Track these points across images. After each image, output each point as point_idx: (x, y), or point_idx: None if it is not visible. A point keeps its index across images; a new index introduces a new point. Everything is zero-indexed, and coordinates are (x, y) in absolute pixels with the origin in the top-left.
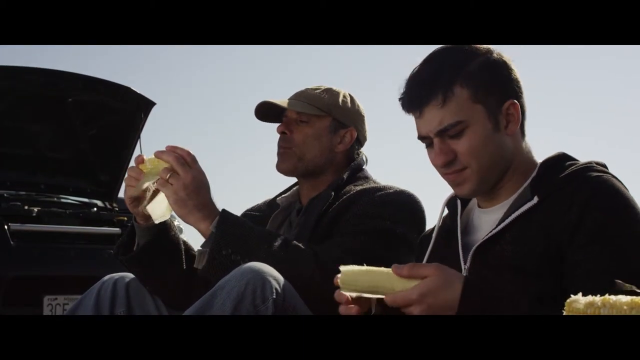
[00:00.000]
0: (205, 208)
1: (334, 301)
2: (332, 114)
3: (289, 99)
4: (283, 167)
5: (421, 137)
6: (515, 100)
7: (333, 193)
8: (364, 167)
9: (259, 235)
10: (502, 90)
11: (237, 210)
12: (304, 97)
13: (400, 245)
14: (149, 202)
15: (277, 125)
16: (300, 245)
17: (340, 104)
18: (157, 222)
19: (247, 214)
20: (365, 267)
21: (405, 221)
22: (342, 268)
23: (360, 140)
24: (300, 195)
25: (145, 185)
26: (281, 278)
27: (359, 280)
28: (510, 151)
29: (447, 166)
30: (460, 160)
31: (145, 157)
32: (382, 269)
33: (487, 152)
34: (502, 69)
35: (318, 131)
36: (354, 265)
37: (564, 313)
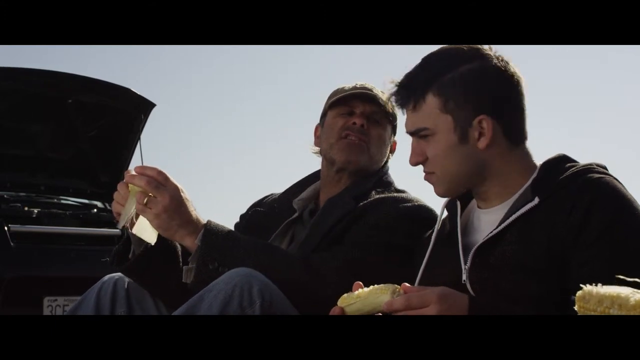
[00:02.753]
0: (190, 224)
1: (329, 309)
2: (393, 123)
3: (370, 91)
4: (360, 159)
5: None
6: (489, 116)
7: (344, 197)
8: (389, 173)
9: (245, 246)
10: (477, 104)
11: (232, 212)
12: (381, 100)
13: (408, 259)
14: (132, 225)
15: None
16: (289, 253)
17: (397, 113)
18: (151, 242)
19: (257, 210)
20: (358, 293)
21: (419, 236)
22: (342, 304)
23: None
24: (320, 194)
25: (132, 208)
26: (269, 282)
27: (361, 310)
28: (485, 163)
29: (420, 166)
30: (428, 163)
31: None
32: (378, 289)
33: (450, 163)
34: (486, 81)
35: (385, 135)
36: (350, 294)
37: (575, 308)
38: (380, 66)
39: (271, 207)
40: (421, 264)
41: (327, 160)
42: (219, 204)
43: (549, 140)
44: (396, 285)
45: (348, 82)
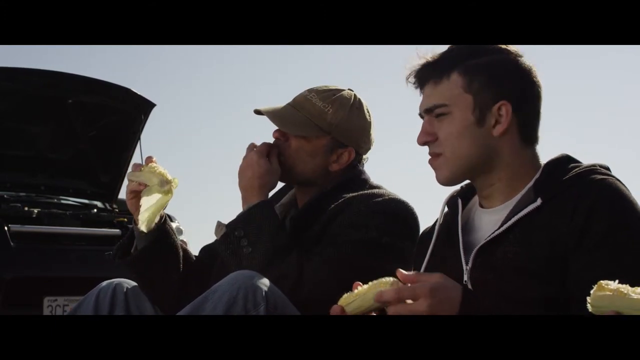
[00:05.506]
0: (261, 193)
1: (308, 309)
2: (333, 134)
3: (288, 106)
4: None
5: (419, 114)
6: (509, 103)
7: (317, 202)
8: (363, 171)
9: (274, 238)
10: (500, 90)
11: (235, 211)
12: (306, 110)
13: (387, 254)
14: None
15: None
16: (290, 258)
17: (345, 122)
18: (141, 227)
19: None
20: (357, 291)
21: (393, 230)
22: (342, 303)
23: (360, 153)
24: (297, 199)
25: (134, 179)
26: (273, 286)
27: (361, 307)
28: (495, 152)
29: (428, 147)
30: (438, 144)
31: (154, 162)
32: (377, 284)
33: (461, 143)
34: (511, 73)
35: (314, 148)
36: (350, 293)
37: (593, 290)
38: (380, 66)
39: None
40: (422, 261)
41: None
42: (219, 203)
43: (548, 140)
44: (393, 279)
45: (342, 85)
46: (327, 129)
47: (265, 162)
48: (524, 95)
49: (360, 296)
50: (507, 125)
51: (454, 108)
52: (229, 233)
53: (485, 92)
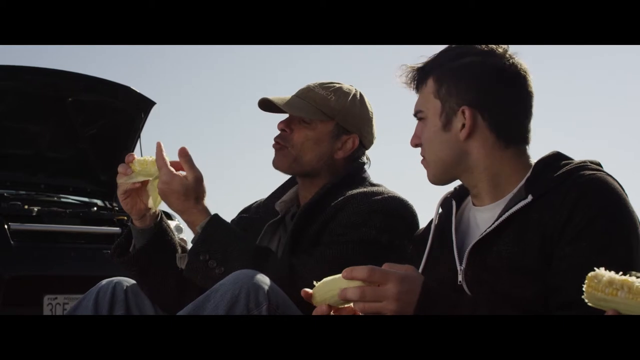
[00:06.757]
0: (199, 203)
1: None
2: (337, 119)
3: (293, 96)
4: (279, 165)
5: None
6: (473, 108)
7: (319, 199)
8: (364, 169)
9: (242, 246)
10: (464, 95)
11: (235, 210)
12: (309, 98)
13: (386, 254)
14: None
15: (279, 117)
16: (282, 263)
17: (348, 108)
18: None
19: (243, 216)
20: (330, 277)
21: (393, 229)
22: (315, 286)
23: (364, 144)
24: (298, 196)
25: (133, 181)
26: (275, 285)
27: (327, 292)
28: (466, 155)
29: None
30: (422, 147)
31: (135, 157)
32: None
33: (432, 148)
34: (481, 76)
35: (319, 135)
36: (325, 279)
37: (585, 287)
38: (380, 66)
39: (256, 213)
40: (419, 264)
41: None
42: (219, 202)
43: (545, 140)
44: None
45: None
46: (330, 114)
47: (179, 177)
48: (494, 98)
49: (328, 279)
50: (470, 129)
51: (428, 113)
52: (193, 259)
53: (451, 96)
